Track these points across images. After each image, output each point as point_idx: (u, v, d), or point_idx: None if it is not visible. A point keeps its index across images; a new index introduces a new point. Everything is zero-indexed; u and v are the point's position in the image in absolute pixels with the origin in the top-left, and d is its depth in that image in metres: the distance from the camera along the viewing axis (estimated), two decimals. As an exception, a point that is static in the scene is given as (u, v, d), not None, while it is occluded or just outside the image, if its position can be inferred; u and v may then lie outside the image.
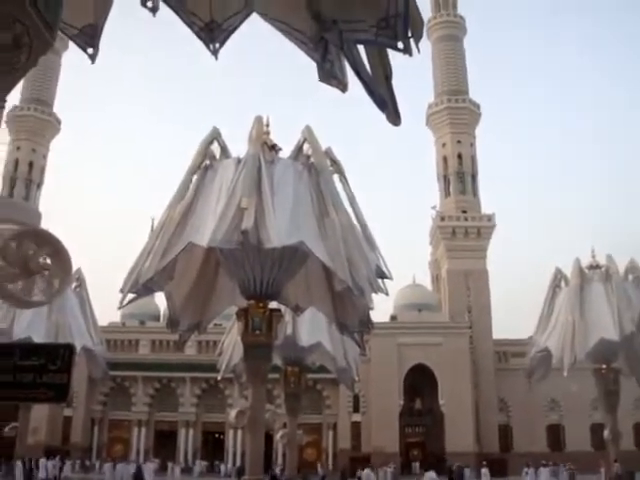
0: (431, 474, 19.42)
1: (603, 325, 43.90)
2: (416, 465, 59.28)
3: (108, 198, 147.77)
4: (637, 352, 43.52)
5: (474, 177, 76.86)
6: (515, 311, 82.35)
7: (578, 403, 63.51)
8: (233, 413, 20.55)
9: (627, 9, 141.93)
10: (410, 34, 4.19)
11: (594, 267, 48.71)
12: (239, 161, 17.89)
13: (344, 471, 44.10)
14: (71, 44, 5.62)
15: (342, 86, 4.53)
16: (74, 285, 37.42)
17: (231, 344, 26.67)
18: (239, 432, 60.11)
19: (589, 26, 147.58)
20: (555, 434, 67.25)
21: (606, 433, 47.74)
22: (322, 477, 40.51)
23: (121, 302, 17.43)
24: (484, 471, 30.65)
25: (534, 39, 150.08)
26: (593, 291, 46.60)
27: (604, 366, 46.37)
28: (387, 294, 18.35)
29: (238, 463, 57.32)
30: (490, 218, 74.06)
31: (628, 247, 42.30)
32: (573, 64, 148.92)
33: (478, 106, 78.37)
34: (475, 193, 76.57)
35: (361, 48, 4.43)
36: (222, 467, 60.92)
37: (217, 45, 5.22)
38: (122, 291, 17.18)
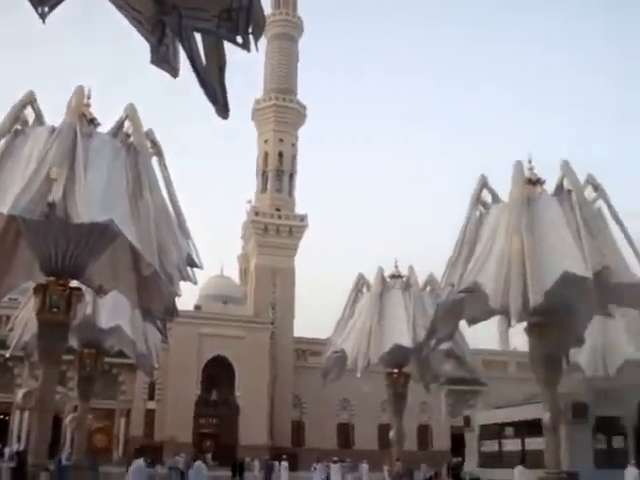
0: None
1: (398, 331, 45.99)
2: (208, 456, 59.31)
3: None
4: (427, 359, 46.07)
5: (292, 176, 78.19)
6: (319, 311, 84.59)
7: (368, 404, 66.44)
8: (20, 393, 19.60)
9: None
10: (251, 30, 4.20)
11: (396, 276, 50.98)
12: (53, 130, 17.05)
13: (139, 452, 42.96)
14: None
15: (174, 72, 4.46)
16: None
17: (24, 320, 25.32)
18: (26, 414, 57.34)
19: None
20: (345, 432, 69.92)
21: (392, 433, 50.22)
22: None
23: None
24: (284, 464, 31.22)
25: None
26: (392, 298, 48.78)
27: (396, 370, 48.74)
28: (195, 283, 18.22)
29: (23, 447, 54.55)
30: (303, 218, 75.65)
31: (429, 259, 44.49)
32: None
33: (304, 107, 79.75)
34: (291, 192, 77.92)
35: (198, 36, 4.38)
36: (7, 450, 57.62)
37: (46, 9, 4.92)
38: None
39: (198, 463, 19.97)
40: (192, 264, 18.09)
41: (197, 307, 66.32)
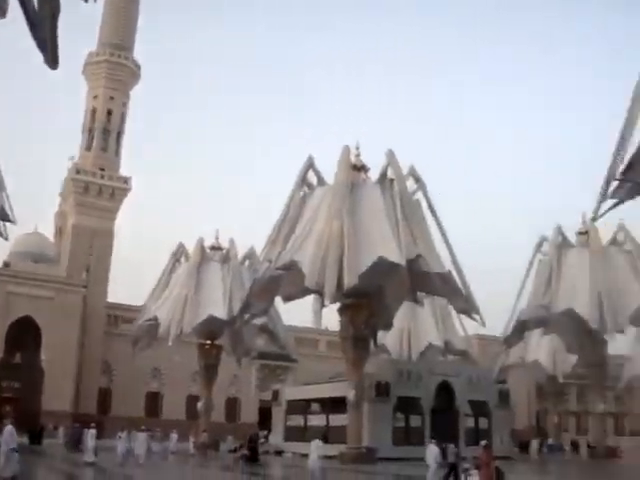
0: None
1: (213, 303, 46.32)
2: (7, 422, 56.57)
3: None
4: (240, 332, 46.61)
5: (119, 136, 75.73)
6: (138, 278, 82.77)
7: (179, 374, 66.59)
8: None
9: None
10: (88, -21, 4.03)
11: (216, 248, 51.35)
12: None
13: None
14: None
15: (1, 11, 4.18)
16: None
17: None
18: None
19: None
20: (153, 401, 69.38)
21: (200, 404, 50.56)
22: None
23: None
24: (92, 432, 30.24)
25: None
26: (210, 270, 49.03)
27: (208, 342, 49.01)
28: (7, 239, 17.35)
29: None
30: (127, 181, 73.64)
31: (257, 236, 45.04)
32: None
33: (139, 67, 77.38)
34: (118, 153, 75.53)
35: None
36: None
37: None
38: None
39: (10, 427, 18.91)
40: (4, 218, 17.20)
41: (6, 264, 63.04)
